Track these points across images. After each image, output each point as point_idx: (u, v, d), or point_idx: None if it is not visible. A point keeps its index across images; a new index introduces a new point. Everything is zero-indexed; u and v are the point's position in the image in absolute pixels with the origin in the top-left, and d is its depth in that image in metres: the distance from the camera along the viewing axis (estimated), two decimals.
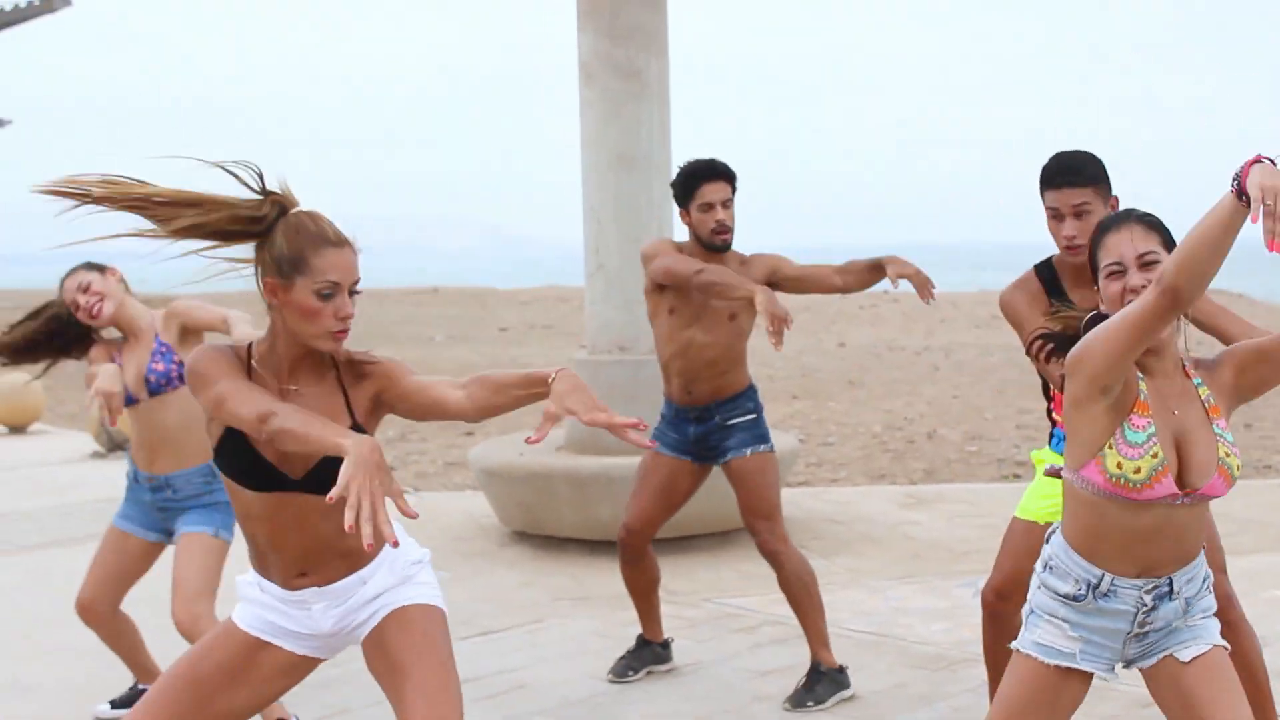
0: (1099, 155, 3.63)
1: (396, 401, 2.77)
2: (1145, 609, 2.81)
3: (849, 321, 26.56)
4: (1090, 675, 2.88)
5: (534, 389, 2.61)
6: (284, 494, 2.73)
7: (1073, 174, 3.56)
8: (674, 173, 4.82)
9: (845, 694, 4.69)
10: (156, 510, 4.39)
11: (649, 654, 5.05)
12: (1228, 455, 2.79)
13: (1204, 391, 2.83)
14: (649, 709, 4.67)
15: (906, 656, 5.16)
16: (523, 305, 32.03)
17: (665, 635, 5.14)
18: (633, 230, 7.06)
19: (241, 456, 2.73)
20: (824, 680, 4.68)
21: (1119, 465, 2.73)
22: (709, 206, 4.69)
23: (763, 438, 4.85)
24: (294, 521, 2.75)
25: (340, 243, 2.68)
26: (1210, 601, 2.90)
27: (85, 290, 4.36)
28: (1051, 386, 3.85)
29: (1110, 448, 2.74)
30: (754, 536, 4.78)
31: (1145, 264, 2.79)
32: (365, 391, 2.78)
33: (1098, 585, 2.81)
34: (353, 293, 2.70)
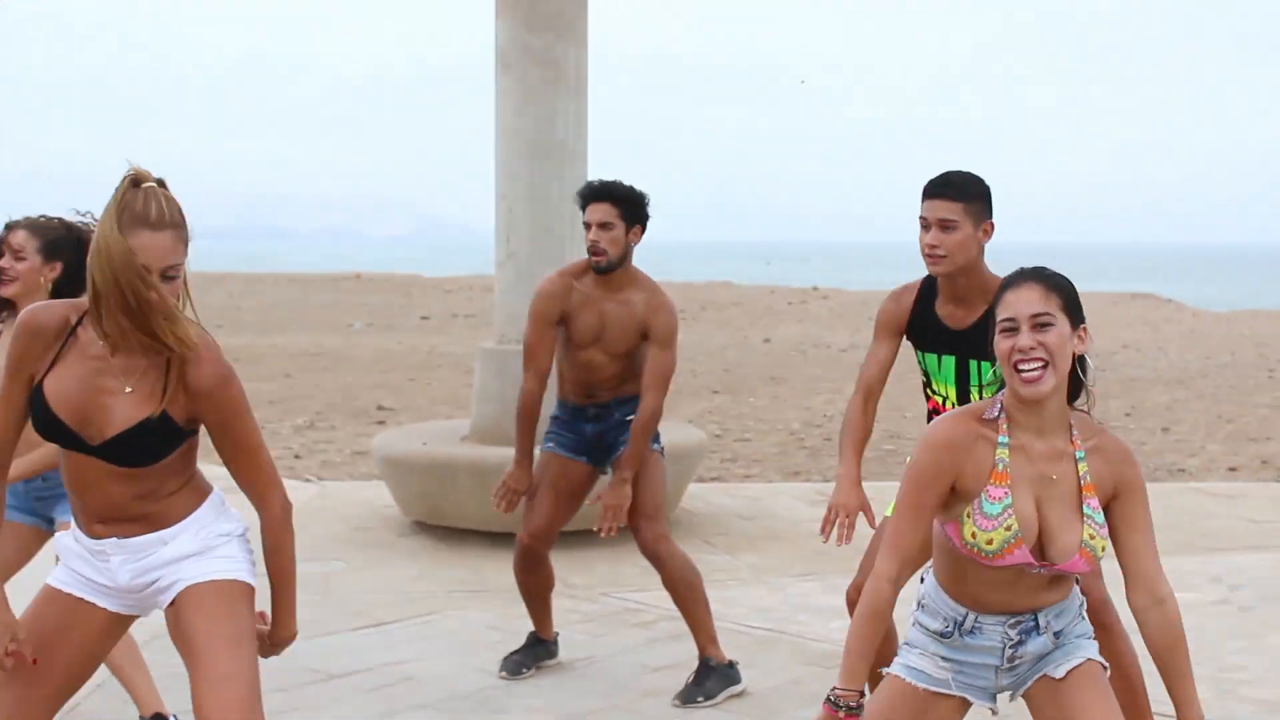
0: (983, 179, 3.74)
1: (213, 436, 2.78)
2: (1012, 643, 2.82)
3: (776, 317, 26.65)
4: (965, 703, 2.89)
5: None
6: (82, 455, 2.74)
7: (946, 188, 3.71)
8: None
9: (736, 689, 4.66)
10: (34, 499, 4.27)
11: (542, 651, 4.99)
12: (1092, 538, 2.76)
13: (1083, 467, 2.77)
14: (536, 703, 4.61)
15: (802, 653, 5.14)
16: (447, 294, 31.82)
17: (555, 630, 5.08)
18: (545, 219, 6.99)
19: (43, 409, 2.73)
20: (714, 675, 4.64)
21: (973, 535, 2.74)
22: (587, 226, 4.72)
23: (655, 437, 4.81)
24: (92, 481, 2.77)
25: (158, 225, 2.62)
26: (1085, 627, 2.90)
27: (15, 254, 4.12)
28: (931, 388, 3.90)
29: (968, 516, 2.74)
30: (635, 535, 4.75)
31: (1038, 325, 2.70)
32: (192, 398, 2.73)
33: (963, 623, 2.82)
34: (168, 277, 2.65)
